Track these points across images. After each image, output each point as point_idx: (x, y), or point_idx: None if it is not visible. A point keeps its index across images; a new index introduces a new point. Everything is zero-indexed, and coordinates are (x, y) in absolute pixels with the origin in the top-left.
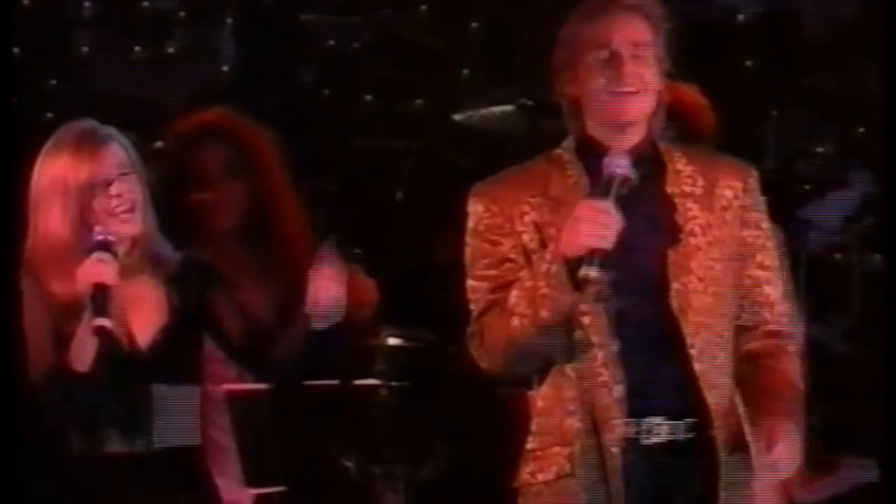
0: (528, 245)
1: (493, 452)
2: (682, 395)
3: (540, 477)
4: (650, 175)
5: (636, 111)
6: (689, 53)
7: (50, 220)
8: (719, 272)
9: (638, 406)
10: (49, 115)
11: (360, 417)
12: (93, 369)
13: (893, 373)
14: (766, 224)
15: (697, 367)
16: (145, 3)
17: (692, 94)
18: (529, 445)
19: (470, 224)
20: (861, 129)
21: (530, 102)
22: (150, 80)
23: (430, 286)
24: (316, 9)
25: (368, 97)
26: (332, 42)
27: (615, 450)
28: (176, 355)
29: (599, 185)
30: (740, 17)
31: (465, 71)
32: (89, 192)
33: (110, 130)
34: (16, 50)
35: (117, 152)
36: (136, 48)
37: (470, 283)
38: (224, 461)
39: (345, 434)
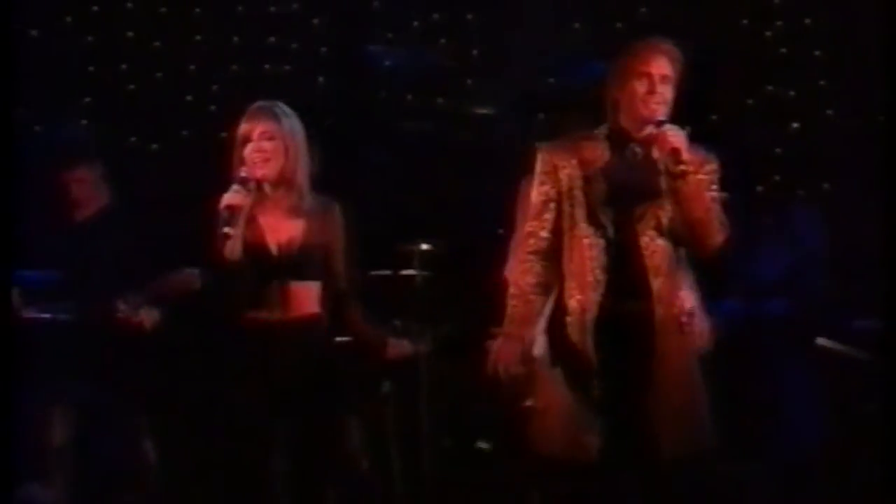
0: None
1: (492, 316)
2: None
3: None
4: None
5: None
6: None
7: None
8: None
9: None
10: (213, 107)
11: (404, 294)
12: (238, 261)
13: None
14: None
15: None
16: (272, 39)
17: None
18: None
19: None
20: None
21: (510, 101)
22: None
23: (448, 213)
24: (377, 43)
25: (409, 96)
26: (387, 63)
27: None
28: (303, 262)
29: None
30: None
31: (469, 81)
32: (242, 144)
33: (273, 109)
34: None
35: (267, 123)
36: (265, 66)
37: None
38: None
39: (394, 305)
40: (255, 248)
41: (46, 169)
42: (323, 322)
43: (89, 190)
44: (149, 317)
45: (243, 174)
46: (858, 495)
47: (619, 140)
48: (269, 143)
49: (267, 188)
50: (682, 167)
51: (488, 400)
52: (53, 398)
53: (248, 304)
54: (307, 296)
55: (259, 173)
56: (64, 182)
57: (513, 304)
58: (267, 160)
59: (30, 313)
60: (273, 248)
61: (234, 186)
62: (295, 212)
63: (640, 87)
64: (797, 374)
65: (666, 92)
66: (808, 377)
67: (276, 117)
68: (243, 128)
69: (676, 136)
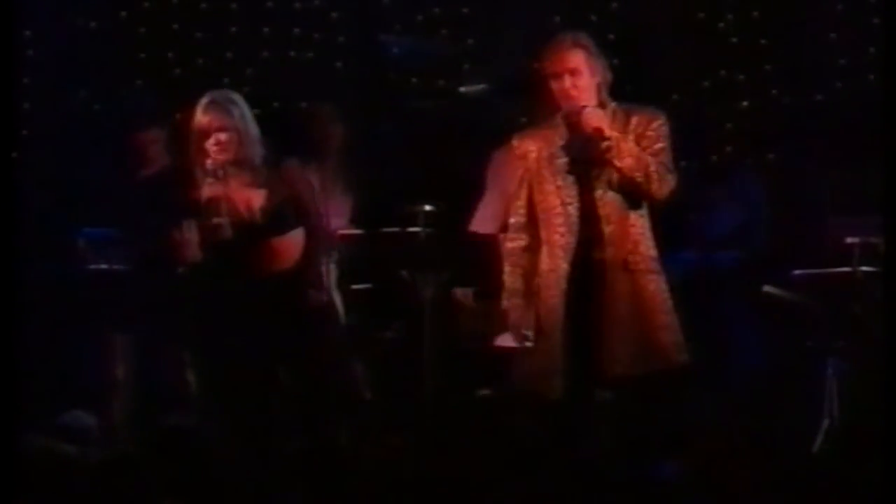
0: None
1: (484, 269)
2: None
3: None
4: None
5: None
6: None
7: (181, 151)
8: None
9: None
10: (246, 88)
11: (410, 247)
12: (222, 233)
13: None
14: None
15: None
16: (297, 30)
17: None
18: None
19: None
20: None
21: (501, 85)
22: (297, 75)
23: (448, 178)
24: (387, 33)
25: (414, 79)
26: (395, 50)
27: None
28: (275, 220)
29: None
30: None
31: (465, 66)
32: (203, 136)
33: (224, 103)
34: (200, 61)
35: (221, 117)
36: (291, 53)
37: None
38: (323, 275)
39: (401, 256)
40: (233, 222)
41: (126, 129)
42: (305, 270)
43: (157, 150)
44: (193, 241)
45: (210, 165)
46: (794, 413)
47: (569, 122)
48: (224, 134)
49: (230, 170)
50: (607, 143)
51: (480, 338)
52: (114, 335)
53: (239, 268)
54: (288, 248)
55: (221, 159)
56: (139, 141)
57: (505, 276)
58: (225, 149)
59: (93, 264)
60: (247, 218)
61: (208, 179)
62: (255, 183)
63: (557, 84)
64: (746, 315)
65: (579, 81)
66: (756, 318)
67: (227, 111)
68: (200, 121)
69: (595, 117)
